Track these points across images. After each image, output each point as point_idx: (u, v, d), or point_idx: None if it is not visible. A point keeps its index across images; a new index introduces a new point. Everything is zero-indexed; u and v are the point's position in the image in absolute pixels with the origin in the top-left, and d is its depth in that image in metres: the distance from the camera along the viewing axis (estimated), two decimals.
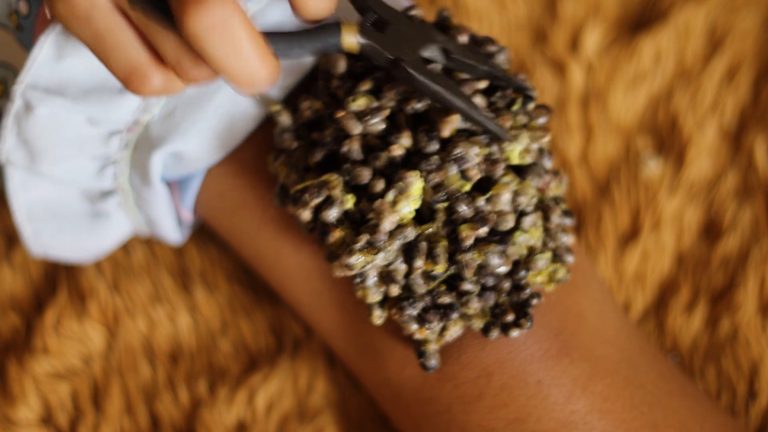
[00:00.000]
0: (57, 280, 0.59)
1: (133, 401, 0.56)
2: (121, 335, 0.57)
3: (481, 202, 0.43)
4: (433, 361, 0.45)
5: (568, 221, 0.47)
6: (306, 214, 0.44)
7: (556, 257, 0.46)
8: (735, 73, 0.61)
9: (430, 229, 0.43)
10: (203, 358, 0.57)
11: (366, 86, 0.45)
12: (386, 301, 0.45)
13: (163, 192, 0.51)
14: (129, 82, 0.39)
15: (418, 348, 0.45)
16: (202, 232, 0.59)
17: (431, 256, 0.43)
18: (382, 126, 0.44)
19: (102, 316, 0.57)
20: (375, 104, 0.44)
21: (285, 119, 0.47)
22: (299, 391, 0.56)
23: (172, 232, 0.54)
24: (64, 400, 0.56)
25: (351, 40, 0.42)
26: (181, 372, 0.57)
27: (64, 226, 0.53)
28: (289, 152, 0.47)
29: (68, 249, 0.55)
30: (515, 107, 0.45)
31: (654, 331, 0.56)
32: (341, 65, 0.46)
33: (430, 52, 0.43)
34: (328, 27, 0.41)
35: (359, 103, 0.44)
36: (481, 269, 0.43)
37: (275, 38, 0.40)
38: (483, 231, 0.42)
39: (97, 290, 0.57)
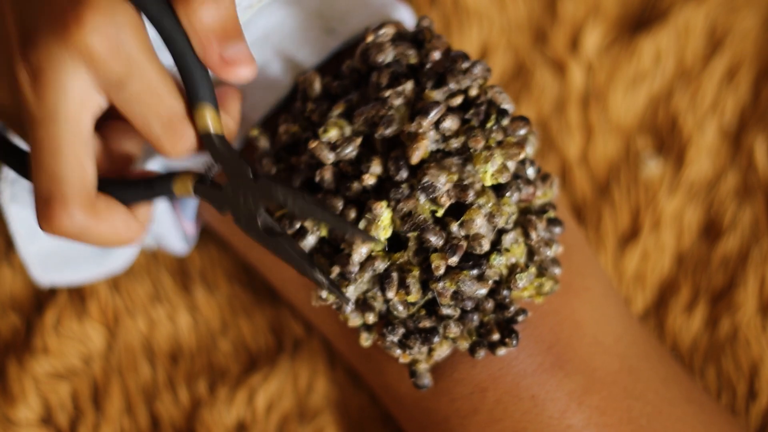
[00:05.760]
0: None
1: (133, 401, 0.56)
2: (121, 335, 0.57)
3: (454, 227, 0.42)
4: (425, 380, 0.45)
5: (557, 230, 0.45)
6: None
7: (542, 270, 0.45)
8: (735, 73, 0.61)
9: (402, 259, 0.43)
10: (203, 358, 0.57)
11: (339, 110, 0.44)
12: (373, 325, 0.45)
13: (164, 206, 0.53)
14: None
15: (410, 368, 0.45)
16: (202, 233, 0.59)
17: (403, 286, 0.42)
18: (355, 153, 0.43)
19: (102, 316, 0.57)
20: (348, 132, 0.44)
21: (264, 143, 0.47)
22: (299, 391, 0.56)
23: (179, 243, 0.56)
24: (64, 400, 0.56)
25: (183, 192, 0.42)
26: (181, 372, 0.57)
27: (77, 266, 0.54)
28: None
29: (79, 279, 0.56)
30: (489, 124, 0.43)
31: (654, 331, 0.56)
32: (316, 86, 0.46)
33: (264, 215, 0.42)
34: (162, 179, 0.42)
35: (330, 135, 0.44)
36: (457, 295, 0.42)
37: (113, 188, 0.42)
38: (453, 260, 0.41)
39: (97, 290, 0.57)
